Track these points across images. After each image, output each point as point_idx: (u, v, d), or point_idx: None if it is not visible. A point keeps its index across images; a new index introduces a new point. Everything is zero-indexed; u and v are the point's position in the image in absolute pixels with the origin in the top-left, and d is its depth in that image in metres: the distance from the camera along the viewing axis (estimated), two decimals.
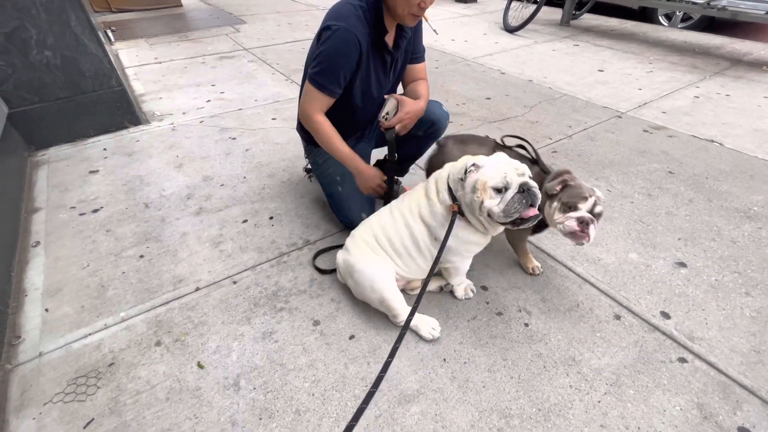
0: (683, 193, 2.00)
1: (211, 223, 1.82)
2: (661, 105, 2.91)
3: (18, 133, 2.28)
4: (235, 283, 1.52)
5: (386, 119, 1.50)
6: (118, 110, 2.57)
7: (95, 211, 1.91)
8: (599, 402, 1.14)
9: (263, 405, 1.13)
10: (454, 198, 1.22)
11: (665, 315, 1.39)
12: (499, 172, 1.12)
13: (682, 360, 1.25)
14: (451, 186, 1.23)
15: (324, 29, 1.31)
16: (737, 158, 2.27)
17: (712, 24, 4.77)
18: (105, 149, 2.41)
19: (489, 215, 1.15)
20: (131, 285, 1.52)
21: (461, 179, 1.18)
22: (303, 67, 1.55)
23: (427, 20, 1.44)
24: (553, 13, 5.47)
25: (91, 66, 2.35)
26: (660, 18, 5.12)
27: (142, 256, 1.65)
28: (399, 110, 1.49)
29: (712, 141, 2.45)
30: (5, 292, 1.44)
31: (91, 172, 2.20)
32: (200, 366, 1.24)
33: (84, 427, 1.08)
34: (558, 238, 1.72)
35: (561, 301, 1.44)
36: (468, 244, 1.28)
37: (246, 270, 1.58)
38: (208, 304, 1.44)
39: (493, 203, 1.12)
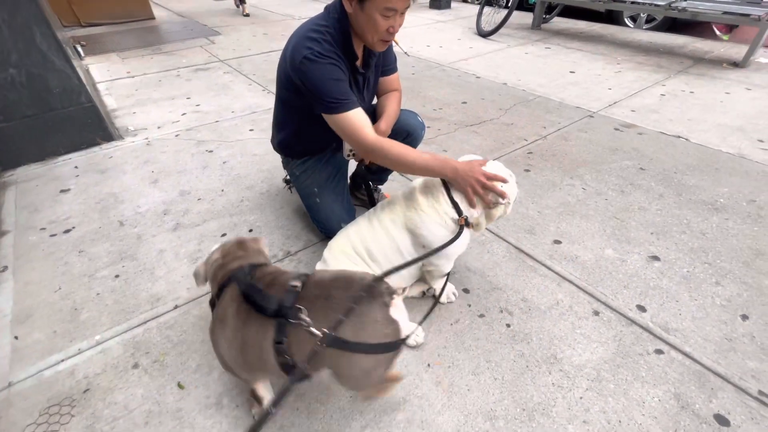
0: (654, 188, 2.06)
1: (189, 239, 1.79)
2: (630, 104, 3.01)
3: None
4: None
5: (353, 155, 1.54)
6: (89, 127, 2.51)
7: (67, 231, 1.85)
8: (581, 398, 1.16)
9: (247, 422, 1.11)
10: (458, 211, 1.22)
11: (641, 308, 1.43)
12: (511, 177, 1.23)
13: (659, 351, 1.28)
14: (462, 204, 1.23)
15: (302, 61, 1.22)
16: (703, 152, 2.36)
17: (674, 24, 4.97)
18: (76, 167, 2.35)
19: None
20: (106, 306, 1.47)
21: (507, 203, 1.22)
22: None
23: (397, 43, 1.44)
24: (524, 18, 5.61)
25: (58, 83, 2.29)
26: (626, 20, 5.31)
27: (117, 276, 1.60)
28: None
29: (679, 137, 2.54)
30: None
31: (62, 191, 2.13)
32: (180, 386, 1.21)
33: None
34: (537, 237, 1.75)
35: (541, 300, 1.46)
36: (462, 247, 1.30)
37: None
38: (188, 322, 1.41)
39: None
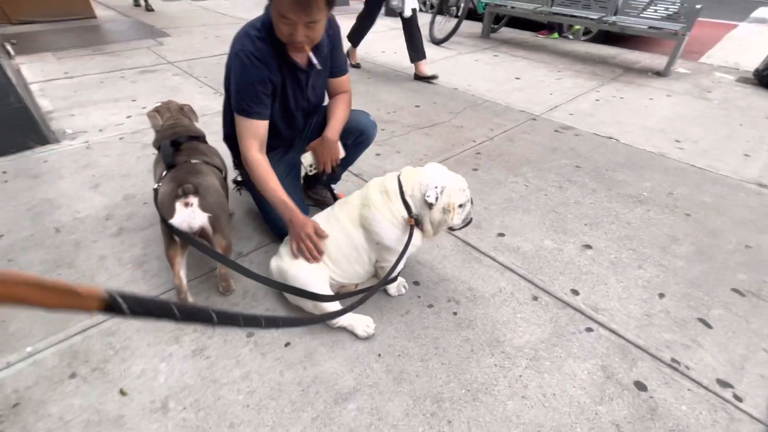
0: (588, 184, 2.25)
1: (134, 243, 1.72)
2: (569, 108, 3.26)
3: None
4: None
5: (314, 169, 1.59)
6: (19, 129, 2.34)
7: None
8: (520, 376, 1.24)
9: (195, 423, 1.09)
10: (409, 210, 1.28)
11: (575, 292, 1.55)
12: (462, 192, 1.29)
13: (589, 329, 1.40)
14: (412, 203, 1.29)
15: (232, 56, 1.32)
16: (630, 152, 2.60)
17: (608, 37, 5.41)
18: (5, 172, 2.18)
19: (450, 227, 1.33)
20: (39, 316, 1.38)
21: (429, 203, 1.24)
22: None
23: (308, 52, 1.36)
24: (474, 27, 5.88)
25: None
26: (566, 32, 5.71)
27: None
28: (317, 156, 1.55)
29: (611, 138, 2.78)
30: None
31: None
32: (123, 393, 1.16)
33: None
34: (483, 231, 1.85)
35: (486, 289, 1.55)
36: (414, 248, 1.34)
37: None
38: (132, 328, 1.35)
39: (459, 218, 1.32)
